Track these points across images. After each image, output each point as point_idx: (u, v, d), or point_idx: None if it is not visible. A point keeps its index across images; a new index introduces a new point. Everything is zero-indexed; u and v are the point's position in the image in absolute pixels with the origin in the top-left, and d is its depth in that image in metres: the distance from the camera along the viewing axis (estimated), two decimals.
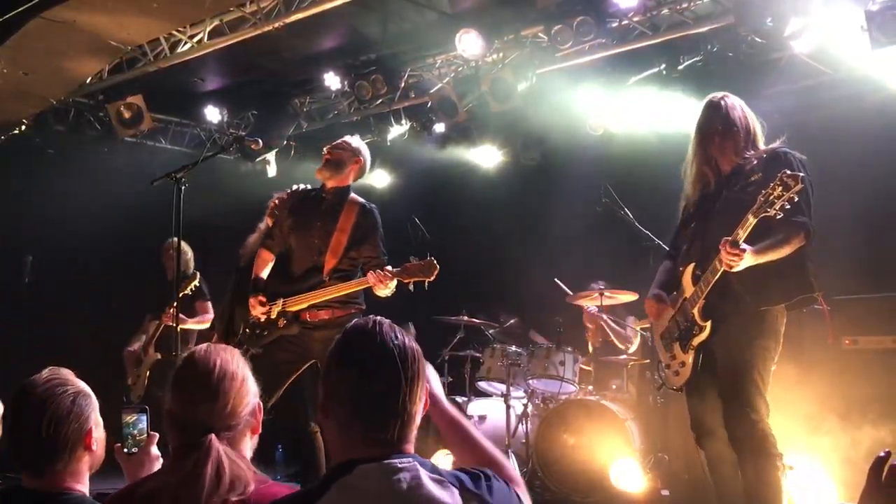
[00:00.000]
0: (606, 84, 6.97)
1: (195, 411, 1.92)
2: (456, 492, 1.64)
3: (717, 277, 3.46)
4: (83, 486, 2.18)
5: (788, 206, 3.20)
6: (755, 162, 3.61)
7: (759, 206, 3.25)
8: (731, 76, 6.08)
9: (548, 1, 6.38)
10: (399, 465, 1.63)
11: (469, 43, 6.43)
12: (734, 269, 3.33)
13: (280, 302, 4.58)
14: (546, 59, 6.71)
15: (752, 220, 3.29)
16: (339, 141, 4.82)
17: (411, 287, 4.32)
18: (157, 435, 2.47)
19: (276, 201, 5.21)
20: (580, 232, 7.11)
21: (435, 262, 4.25)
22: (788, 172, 3.18)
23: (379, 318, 1.81)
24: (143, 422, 2.47)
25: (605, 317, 6.42)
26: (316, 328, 4.55)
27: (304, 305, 4.53)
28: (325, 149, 4.81)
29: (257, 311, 4.59)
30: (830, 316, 5.23)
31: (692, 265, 3.69)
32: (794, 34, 5.74)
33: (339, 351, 1.75)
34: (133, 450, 2.40)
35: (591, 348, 6.77)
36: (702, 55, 6.43)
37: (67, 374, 2.25)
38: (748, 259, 3.30)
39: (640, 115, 6.86)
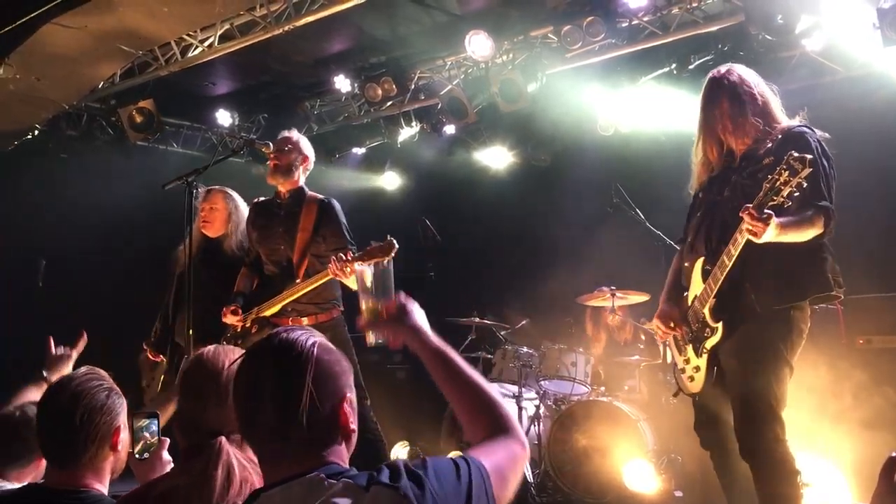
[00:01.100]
0: (616, 84, 6.96)
1: (204, 413, 1.92)
2: (362, 494, 1.46)
3: (728, 269, 3.15)
4: (103, 487, 2.20)
5: (798, 193, 2.85)
6: (769, 144, 3.25)
7: (764, 193, 2.89)
8: None
9: (557, 1, 6.38)
10: (298, 486, 1.49)
11: (478, 44, 6.44)
12: (759, 241, 2.93)
13: (254, 310, 4.64)
14: (555, 59, 6.70)
15: (767, 192, 2.91)
16: (281, 141, 4.77)
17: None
18: (168, 440, 2.50)
19: (203, 207, 5.21)
20: (591, 233, 7.09)
21: (394, 241, 4.12)
22: (795, 154, 2.80)
23: (279, 329, 1.68)
24: (153, 426, 2.49)
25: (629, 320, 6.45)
26: None
27: (277, 308, 4.57)
28: (270, 154, 4.77)
29: (228, 319, 4.64)
30: (843, 315, 5.23)
31: (701, 260, 3.40)
32: (805, 32, 5.72)
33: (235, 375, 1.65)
34: (144, 454, 2.42)
35: (597, 349, 6.76)
36: (712, 54, 6.40)
37: (103, 373, 2.31)
38: (772, 230, 2.89)
39: (651, 114, 6.84)
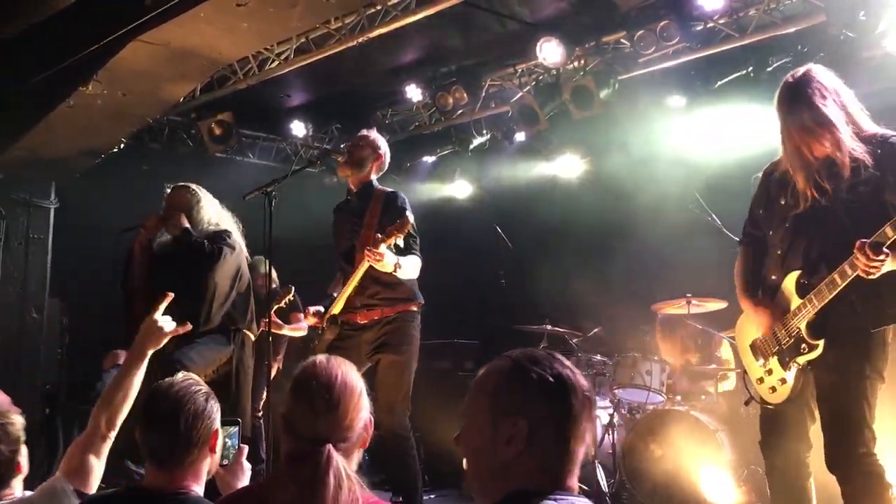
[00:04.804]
0: (691, 88, 6.85)
1: (315, 421, 1.94)
2: None
3: (838, 291, 3.06)
4: (200, 489, 2.28)
5: None
6: (865, 155, 3.09)
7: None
8: None
9: (630, 6, 6.32)
10: None
11: (550, 51, 6.42)
12: (871, 277, 2.90)
13: (328, 311, 4.67)
14: (628, 64, 6.64)
15: (892, 235, 2.82)
16: (356, 138, 4.83)
17: (399, 242, 4.34)
18: (246, 447, 2.61)
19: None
20: (665, 239, 6.98)
21: (409, 217, 4.29)
22: None
23: (552, 352, 1.78)
24: (236, 434, 2.59)
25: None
26: (365, 329, 4.58)
27: (341, 304, 4.59)
28: (347, 147, 4.86)
29: (308, 320, 4.82)
30: None
31: (797, 274, 3.25)
32: (887, 31, 5.53)
33: (555, 382, 1.68)
34: (224, 461, 2.51)
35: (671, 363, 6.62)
36: (791, 56, 6.25)
37: (199, 378, 2.40)
38: (889, 265, 2.87)
39: (727, 118, 6.70)
